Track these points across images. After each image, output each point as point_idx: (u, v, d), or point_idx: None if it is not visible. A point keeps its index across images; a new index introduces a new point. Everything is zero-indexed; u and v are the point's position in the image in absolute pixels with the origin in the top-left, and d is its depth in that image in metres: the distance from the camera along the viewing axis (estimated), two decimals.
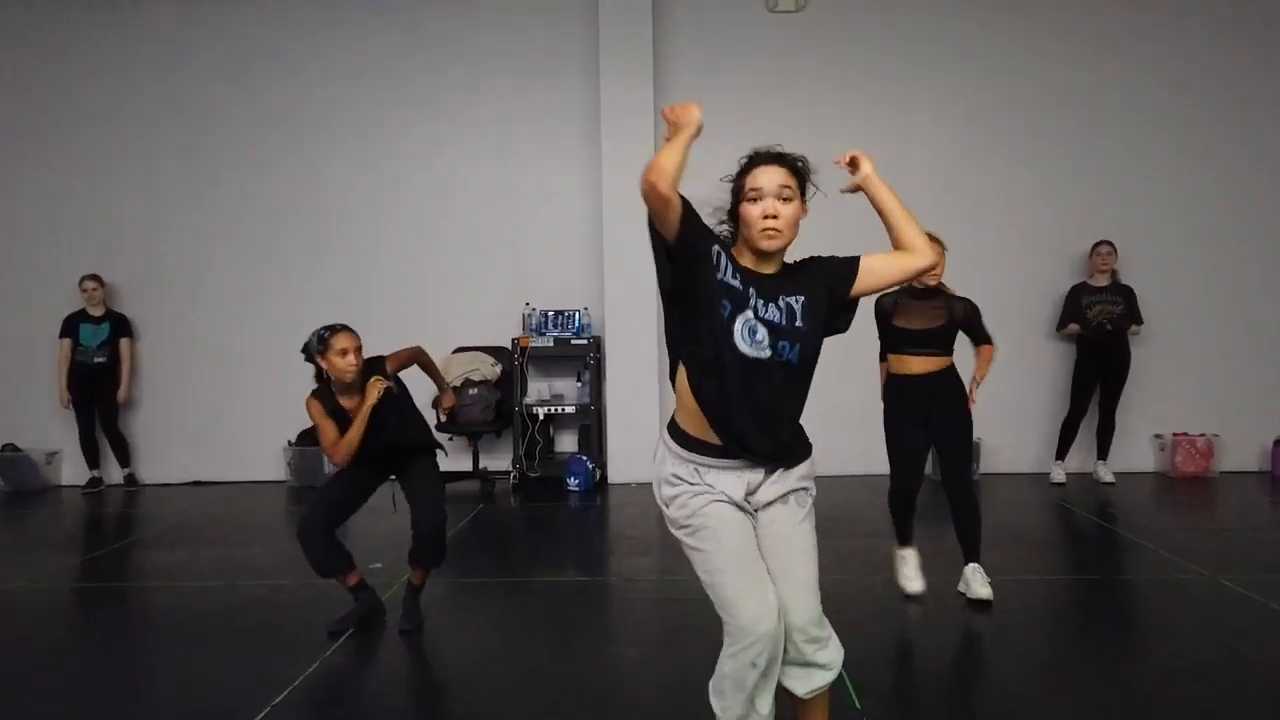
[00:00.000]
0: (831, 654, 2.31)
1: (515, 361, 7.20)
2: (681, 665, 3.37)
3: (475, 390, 7.08)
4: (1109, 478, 6.90)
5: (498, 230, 7.56)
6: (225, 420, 7.61)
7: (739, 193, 2.28)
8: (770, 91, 7.28)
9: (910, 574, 4.27)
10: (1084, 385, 6.94)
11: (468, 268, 7.55)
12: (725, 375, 2.20)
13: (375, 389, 3.77)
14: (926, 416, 4.16)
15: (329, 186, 7.58)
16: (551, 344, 7.22)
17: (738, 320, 2.19)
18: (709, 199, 2.32)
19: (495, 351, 7.38)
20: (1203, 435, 7.10)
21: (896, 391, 4.22)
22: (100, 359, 7.34)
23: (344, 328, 3.82)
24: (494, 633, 3.99)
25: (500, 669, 3.53)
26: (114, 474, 7.59)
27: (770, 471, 2.29)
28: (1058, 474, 6.97)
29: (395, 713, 3.27)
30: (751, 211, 2.23)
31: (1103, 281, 6.94)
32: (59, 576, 5.05)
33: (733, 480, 2.27)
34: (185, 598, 4.55)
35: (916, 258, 2.32)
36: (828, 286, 2.30)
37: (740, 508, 2.28)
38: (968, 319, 4.21)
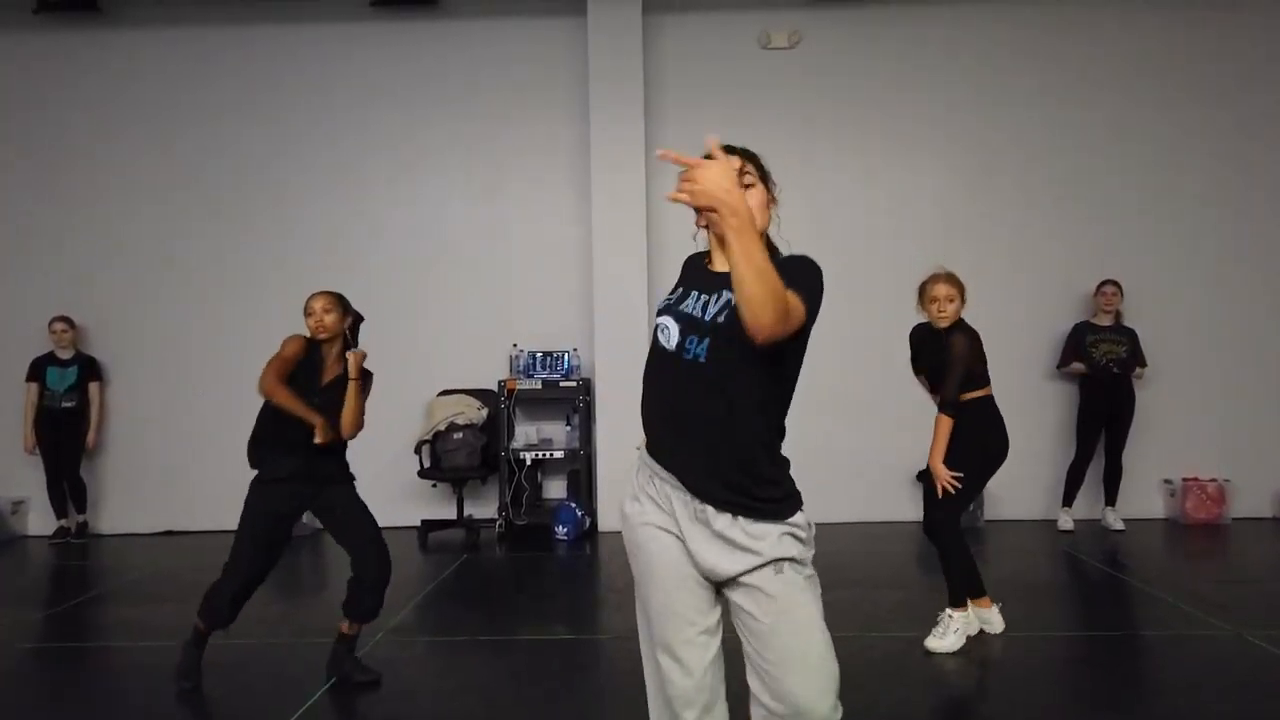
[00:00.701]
0: None
1: (502, 404, 6.97)
2: None
3: (460, 434, 6.83)
4: (1118, 525, 6.66)
5: (484, 269, 7.36)
6: (198, 467, 7.28)
7: None
8: (764, 129, 7.05)
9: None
10: (1089, 428, 6.74)
11: (453, 308, 7.33)
12: (650, 376, 2.11)
13: (356, 360, 3.73)
14: None
15: (310, 226, 7.39)
16: (539, 386, 6.99)
17: (661, 317, 2.09)
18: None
19: (481, 394, 7.14)
20: (1213, 480, 6.88)
21: None
22: (69, 403, 7.06)
23: (325, 292, 3.82)
24: (476, 695, 3.72)
25: None
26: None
27: (719, 511, 1.98)
28: (1065, 521, 6.73)
29: None
30: None
31: (1106, 321, 6.77)
32: (13, 634, 4.74)
33: (683, 504, 2.01)
34: (146, 658, 4.26)
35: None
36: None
37: (686, 544, 2.02)
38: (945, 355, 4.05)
